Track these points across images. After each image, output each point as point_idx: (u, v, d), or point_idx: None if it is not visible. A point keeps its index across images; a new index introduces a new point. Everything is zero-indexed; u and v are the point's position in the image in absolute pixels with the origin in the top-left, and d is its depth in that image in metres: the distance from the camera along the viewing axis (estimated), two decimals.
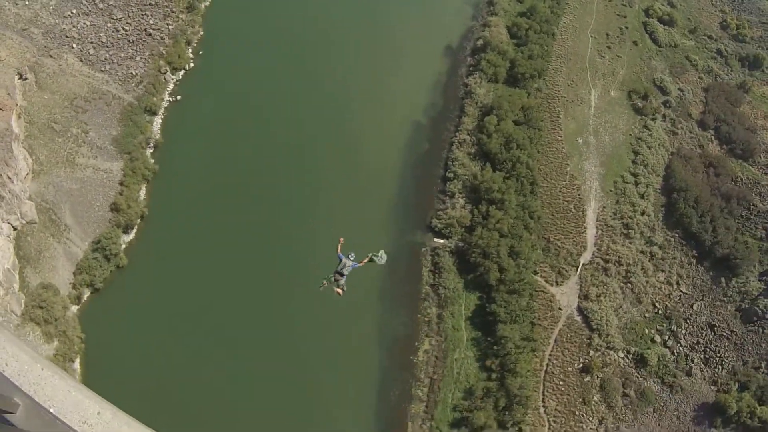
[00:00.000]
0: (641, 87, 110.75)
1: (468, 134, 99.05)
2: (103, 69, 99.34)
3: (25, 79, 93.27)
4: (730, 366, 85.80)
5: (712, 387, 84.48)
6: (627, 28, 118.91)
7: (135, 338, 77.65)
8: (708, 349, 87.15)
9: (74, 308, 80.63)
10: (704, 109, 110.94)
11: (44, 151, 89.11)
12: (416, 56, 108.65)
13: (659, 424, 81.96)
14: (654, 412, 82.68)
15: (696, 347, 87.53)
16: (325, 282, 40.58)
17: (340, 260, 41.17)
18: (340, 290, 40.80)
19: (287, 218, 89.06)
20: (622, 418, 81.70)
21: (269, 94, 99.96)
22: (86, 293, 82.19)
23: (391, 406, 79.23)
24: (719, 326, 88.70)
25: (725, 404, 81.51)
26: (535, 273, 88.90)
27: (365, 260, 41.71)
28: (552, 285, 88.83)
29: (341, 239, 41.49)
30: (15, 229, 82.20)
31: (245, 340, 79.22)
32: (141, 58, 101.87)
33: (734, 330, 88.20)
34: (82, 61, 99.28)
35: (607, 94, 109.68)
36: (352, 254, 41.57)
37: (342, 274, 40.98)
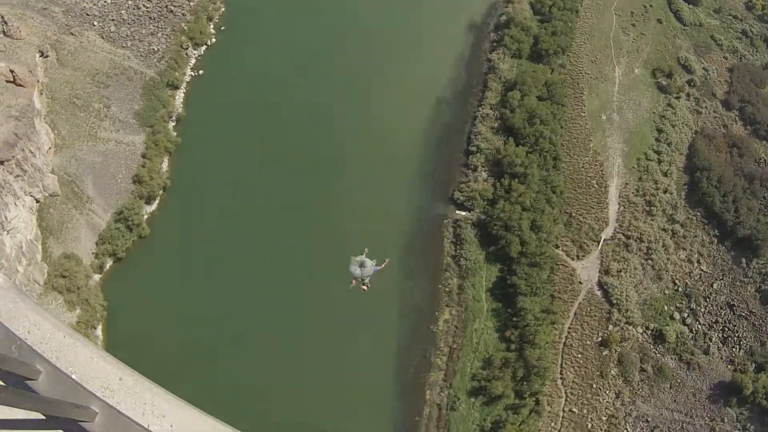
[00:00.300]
0: (665, 65, 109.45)
1: (491, 109, 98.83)
2: (124, 45, 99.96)
3: (47, 56, 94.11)
4: (747, 346, 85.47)
5: (729, 366, 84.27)
6: (651, 6, 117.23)
7: (156, 306, 78.84)
8: (726, 329, 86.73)
9: (96, 277, 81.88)
10: (729, 89, 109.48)
11: (66, 125, 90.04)
12: (440, 32, 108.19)
13: (675, 401, 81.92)
14: (670, 388, 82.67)
15: (714, 326, 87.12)
16: (354, 281, 39.88)
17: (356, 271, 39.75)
18: (365, 287, 40.28)
19: (310, 190, 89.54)
20: (638, 392, 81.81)
21: (291, 69, 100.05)
22: (108, 262, 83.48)
23: (410, 374, 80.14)
24: (738, 306, 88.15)
25: (741, 384, 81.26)
26: (557, 247, 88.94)
27: (384, 264, 40.51)
28: (573, 259, 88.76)
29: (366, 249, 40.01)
30: (38, 201, 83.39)
31: (266, 309, 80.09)
32: (162, 34, 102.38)
33: (753, 310, 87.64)
34: (103, 38, 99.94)
35: (631, 72, 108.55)
36: (364, 261, 39.93)
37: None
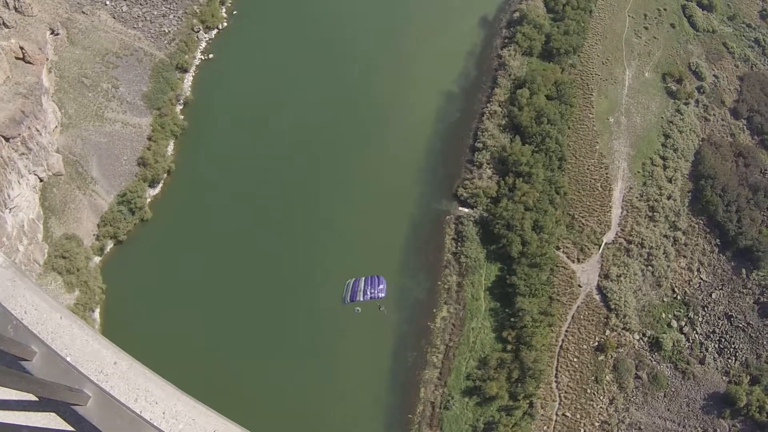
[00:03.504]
0: (676, 70, 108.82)
1: (499, 106, 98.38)
2: (135, 26, 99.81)
3: (57, 34, 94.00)
4: (743, 358, 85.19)
5: (724, 377, 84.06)
6: (665, 9, 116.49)
7: (156, 291, 78.94)
8: (723, 339, 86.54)
9: (97, 259, 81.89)
10: (738, 98, 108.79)
11: (74, 105, 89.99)
12: (452, 26, 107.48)
13: (668, 409, 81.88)
14: (665, 396, 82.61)
15: (711, 336, 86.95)
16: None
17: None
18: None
19: (315, 179, 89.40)
20: (632, 399, 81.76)
21: (301, 57, 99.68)
22: (109, 245, 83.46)
23: (406, 370, 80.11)
24: (736, 317, 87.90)
25: (735, 396, 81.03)
26: (558, 248, 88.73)
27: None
28: (573, 261, 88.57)
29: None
30: (41, 180, 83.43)
31: (264, 299, 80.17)
32: (174, 16, 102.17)
33: (751, 322, 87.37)
34: (114, 17, 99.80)
35: (641, 75, 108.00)
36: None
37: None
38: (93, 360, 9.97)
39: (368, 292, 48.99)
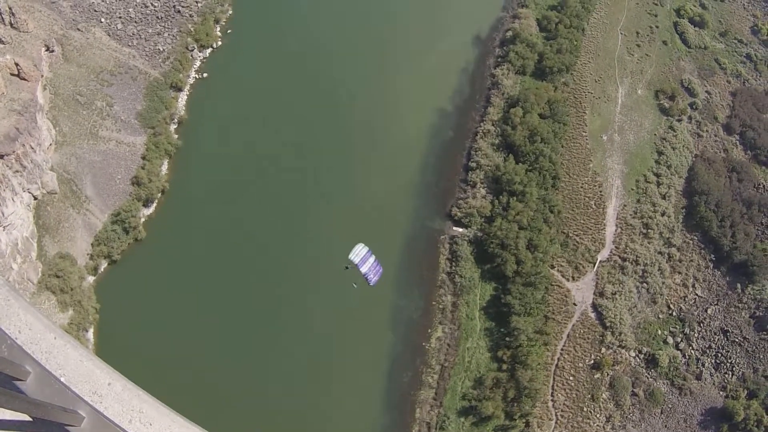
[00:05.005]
0: (669, 87, 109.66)
1: (493, 125, 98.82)
2: (130, 44, 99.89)
3: (52, 51, 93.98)
4: (740, 373, 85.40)
5: (721, 392, 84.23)
6: (657, 27, 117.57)
7: (150, 311, 78.47)
8: (719, 354, 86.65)
9: (91, 279, 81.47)
10: (730, 114, 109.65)
11: (68, 122, 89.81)
12: (445, 45, 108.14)
13: (666, 426, 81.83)
14: (662, 413, 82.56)
15: (708, 351, 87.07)
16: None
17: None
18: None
19: (307, 197, 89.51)
20: (629, 416, 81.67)
21: (295, 76, 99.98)
22: (103, 264, 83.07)
23: (401, 391, 79.83)
24: (732, 332, 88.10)
25: (733, 411, 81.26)
26: (552, 267, 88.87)
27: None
28: (568, 280, 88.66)
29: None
30: (35, 198, 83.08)
31: (259, 318, 79.87)
32: (169, 34, 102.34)
33: (747, 337, 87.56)
34: (109, 35, 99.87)
35: (634, 93, 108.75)
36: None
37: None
38: (87, 380, 9.95)
39: (370, 271, 53.50)
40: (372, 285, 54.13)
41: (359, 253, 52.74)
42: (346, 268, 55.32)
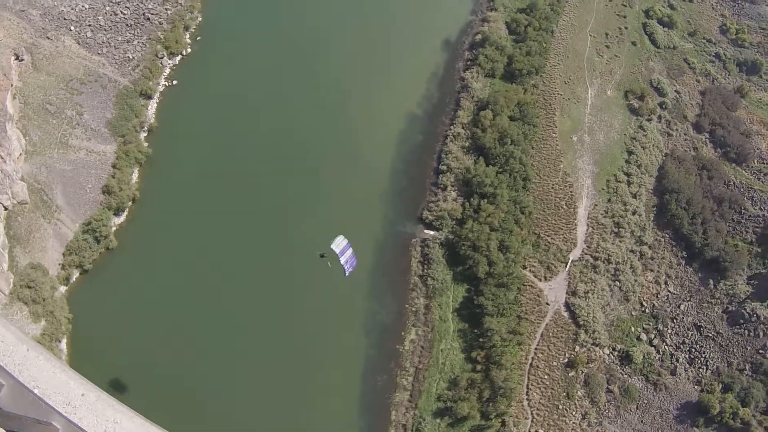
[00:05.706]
0: (638, 87, 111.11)
1: (463, 128, 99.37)
2: (100, 52, 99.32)
3: (22, 60, 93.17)
4: (714, 367, 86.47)
5: (696, 387, 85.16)
6: (626, 28, 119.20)
7: (123, 320, 77.73)
8: (693, 350, 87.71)
9: (63, 289, 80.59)
10: (700, 112, 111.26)
11: (38, 132, 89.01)
12: (414, 49, 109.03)
13: (642, 421, 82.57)
14: (637, 408, 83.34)
15: (681, 347, 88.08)
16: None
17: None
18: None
19: (279, 204, 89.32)
20: (605, 413, 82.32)
21: (266, 83, 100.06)
22: (75, 274, 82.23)
23: (376, 394, 79.71)
24: (705, 327, 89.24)
25: (708, 404, 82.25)
26: (524, 267, 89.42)
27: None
28: (540, 280, 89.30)
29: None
30: (6, 209, 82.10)
31: (233, 325, 79.34)
32: (138, 42, 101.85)
33: (720, 331, 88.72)
34: (79, 43, 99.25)
35: (603, 93, 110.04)
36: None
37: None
38: (61, 392, 10.00)
39: (347, 261, 61.34)
40: (346, 275, 62.20)
41: (339, 243, 60.25)
42: (322, 256, 62.48)
